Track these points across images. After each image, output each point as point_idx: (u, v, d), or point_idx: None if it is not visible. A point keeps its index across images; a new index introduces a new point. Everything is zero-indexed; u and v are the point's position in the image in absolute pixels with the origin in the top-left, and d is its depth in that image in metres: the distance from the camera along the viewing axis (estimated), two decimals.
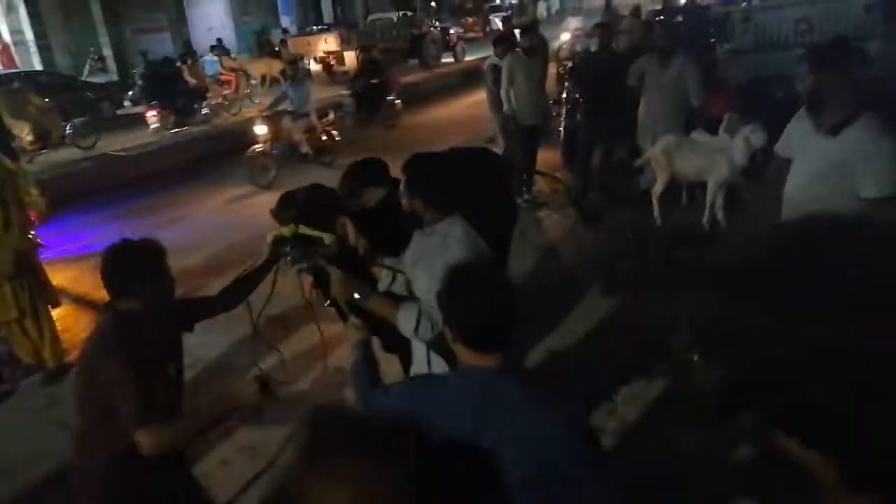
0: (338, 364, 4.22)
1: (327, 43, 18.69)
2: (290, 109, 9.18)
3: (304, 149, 9.10)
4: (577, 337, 4.34)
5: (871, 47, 6.52)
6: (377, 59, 12.99)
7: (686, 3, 13.69)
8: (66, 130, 11.62)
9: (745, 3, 12.99)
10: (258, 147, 8.72)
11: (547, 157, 7.96)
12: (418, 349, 2.42)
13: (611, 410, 3.60)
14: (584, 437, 1.46)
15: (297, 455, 0.80)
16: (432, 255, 2.26)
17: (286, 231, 2.46)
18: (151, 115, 12.41)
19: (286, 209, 2.56)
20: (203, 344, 4.22)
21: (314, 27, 22.63)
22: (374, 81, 12.01)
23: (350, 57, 17.62)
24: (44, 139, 11.21)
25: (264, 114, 9.15)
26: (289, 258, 2.47)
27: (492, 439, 1.41)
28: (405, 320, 2.22)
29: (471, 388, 1.48)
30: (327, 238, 2.41)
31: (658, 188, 5.91)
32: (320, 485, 0.75)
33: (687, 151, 5.70)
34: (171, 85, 13.47)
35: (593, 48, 7.61)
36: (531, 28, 8.10)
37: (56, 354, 4.58)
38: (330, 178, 3.14)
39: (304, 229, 2.44)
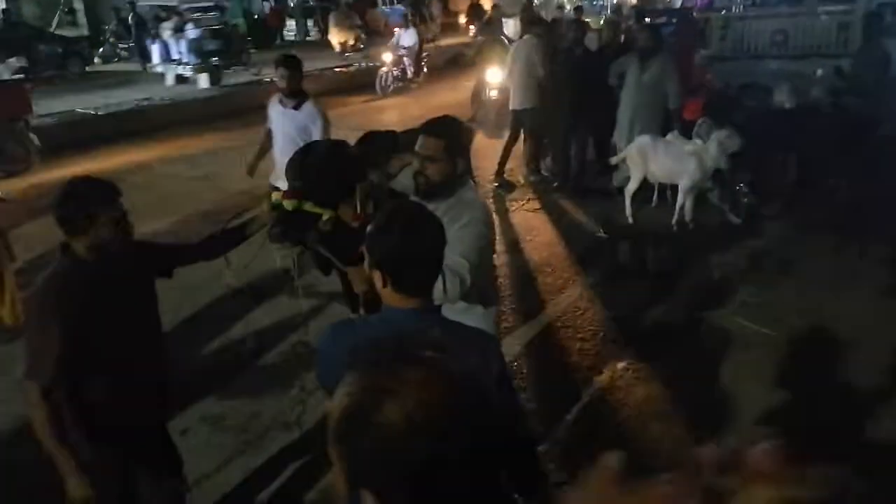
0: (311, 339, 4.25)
1: None
2: None
3: None
4: (541, 329, 4.41)
5: (844, 64, 6.74)
6: None
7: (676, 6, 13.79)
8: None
9: (724, 11, 13.23)
10: None
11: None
12: None
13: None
14: (498, 370, 1.55)
15: (366, 374, 0.83)
16: (447, 216, 2.27)
17: (287, 205, 2.40)
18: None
19: (296, 176, 2.47)
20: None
21: None
22: None
23: None
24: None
25: None
26: (268, 233, 2.44)
27: None
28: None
29: (392, 330, 1.53)
30: (326, 215, 2.38)
31: (631, 187, 6.01)
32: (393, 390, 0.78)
33: (661, 153, 5.81)
34: None
35: (592, 46, 7.68)
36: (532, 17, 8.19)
37: (14, 314, 4.46)
38: None
39: (307, 206, 2.38)
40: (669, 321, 4.46)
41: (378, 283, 1.58)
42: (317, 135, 4.29)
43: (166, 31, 14.68)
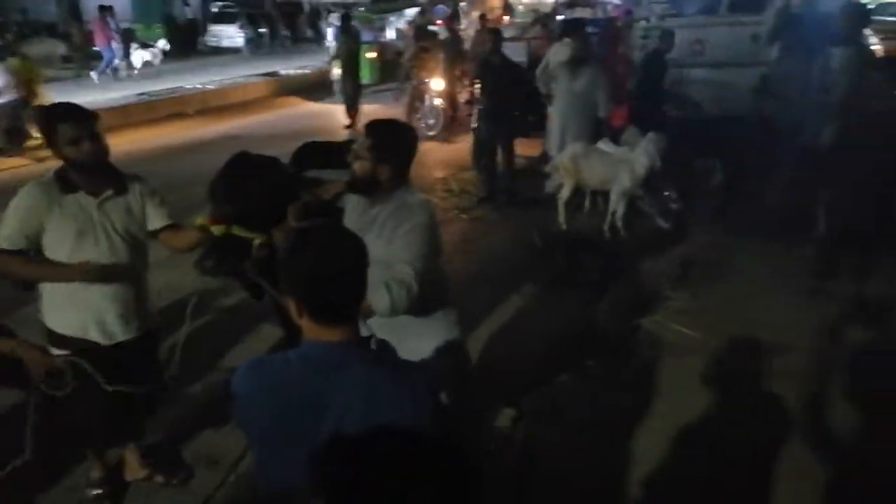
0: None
1: None
2: None
3: None
4: (481, 341, 4.31)
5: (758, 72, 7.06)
6: None
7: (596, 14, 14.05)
8: None
9: (643, 21, 13.61)
10: None
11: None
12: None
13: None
14: (430, 409, 1.43)
15: None
16: (390, 221, 2.23)
17: (216, 231, 2.24)
18: None
19: (224, 201, 2.27)
20: None
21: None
22: None
23: None
24: None
25: None
26: (199, 265, 2.25)
27: (335, 417, 1.36)
28: (378, 300, 2.05)
29: (316, 367, 1.40)
30: (258, 239, 2.20)
31: (565, 194, 6.03)
32: None
33: (593, 161, 5.85)
34: None
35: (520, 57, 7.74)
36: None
37: None
38: None
39: (237, 230, 2.22)
40: (607, 328, 4.45)
41: (294, 312, 1.42)
42: (155, 221, 2.59)
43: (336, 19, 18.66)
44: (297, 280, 1.39)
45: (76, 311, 2.49)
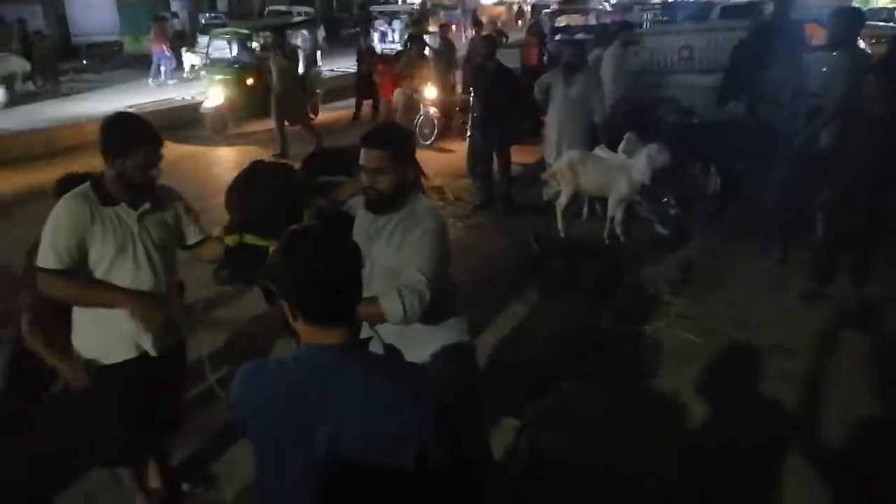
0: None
1: None
2: None
3: None
4: (483, 349, 4.28)
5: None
6: None
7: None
8: None
9: (636, 28, 13.69)
10: None
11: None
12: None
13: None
14: (433, 413, 1.41)
15: None
16: (399, 228, 2.21)
17: (229, 241, 2.26)
18: None
19: (238, 208, 2.29)
20: None
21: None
22: None
23: None
24: None
25: None
26: (215, 276, 2.25)
27: (333, 420, 1.36)
28: (391, 307, 2.02)
29: (313, 370, 1.40)
30: (272, 247, 2.20)
31: (563, 201, 6.02)
32: None
33: (591, 167, 5.85)
34: None
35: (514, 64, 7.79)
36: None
37: None
38: None
39: (249, 239, 2.23)
40: (609, 336, 4.43)
41: (289, 316, 1.41)
42: (192, 237, 2.57)
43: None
44: (290, 283, 1.39)
45: (110, 335, 2.40)
